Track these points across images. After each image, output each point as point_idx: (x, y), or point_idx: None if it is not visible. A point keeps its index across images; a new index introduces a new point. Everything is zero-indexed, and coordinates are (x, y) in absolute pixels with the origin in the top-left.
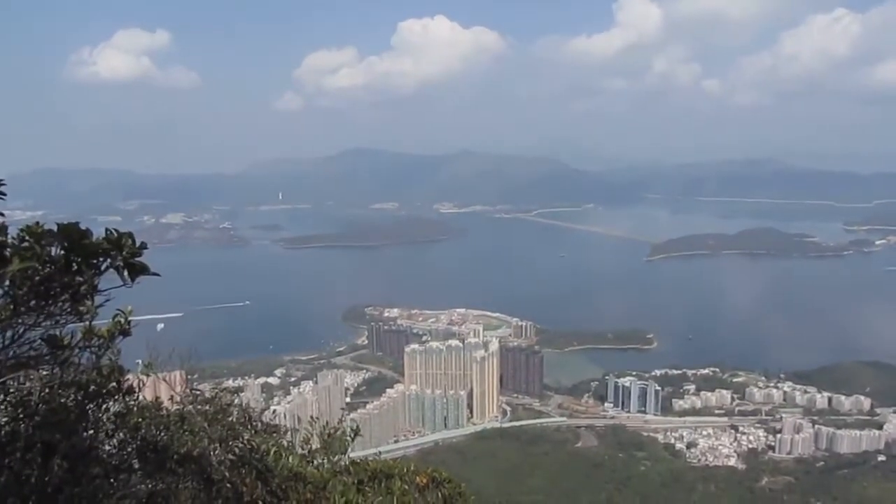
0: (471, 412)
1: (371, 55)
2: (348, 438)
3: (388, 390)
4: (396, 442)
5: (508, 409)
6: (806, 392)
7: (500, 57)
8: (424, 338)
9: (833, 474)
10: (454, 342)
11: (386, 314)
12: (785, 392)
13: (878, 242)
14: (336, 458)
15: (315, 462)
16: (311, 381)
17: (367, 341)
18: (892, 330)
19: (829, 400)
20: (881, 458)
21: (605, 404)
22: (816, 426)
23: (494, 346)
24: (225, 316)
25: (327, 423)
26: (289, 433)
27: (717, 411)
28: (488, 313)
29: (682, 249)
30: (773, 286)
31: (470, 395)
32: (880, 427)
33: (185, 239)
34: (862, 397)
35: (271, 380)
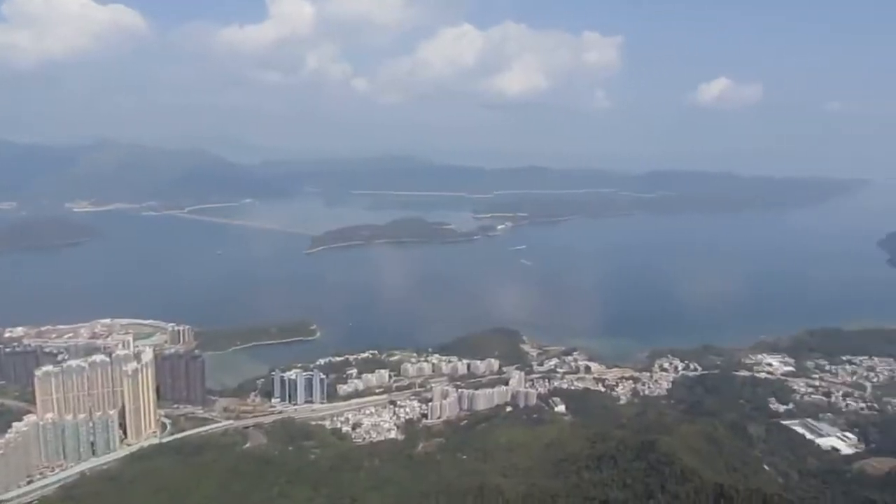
0: (124, 432)
1: None
2: None
3: (15, 424)
4: (31, 483)
5: (168, 421)
6: (450, 362)
7: (143, 40)
8: (61, 356)
9: (474, 429)
10: (99, 357)
11: (7, 334)
12: (433, 364)
13: (499, 227)
14: None
15: None
16: None
17: None
18: (512, 300)
19: (468, 366)
20: (509, 408)
21: (273, 400)
22: (459, 390)
23: (148, 355)
24: None
25: None
26: None
27: (377, 390)
28: (139, 321)
29: (339, 241)
30: (419, 270)
31: (122, 414)
32: (507, 383)
33: None
34: (492, 360)
35: None
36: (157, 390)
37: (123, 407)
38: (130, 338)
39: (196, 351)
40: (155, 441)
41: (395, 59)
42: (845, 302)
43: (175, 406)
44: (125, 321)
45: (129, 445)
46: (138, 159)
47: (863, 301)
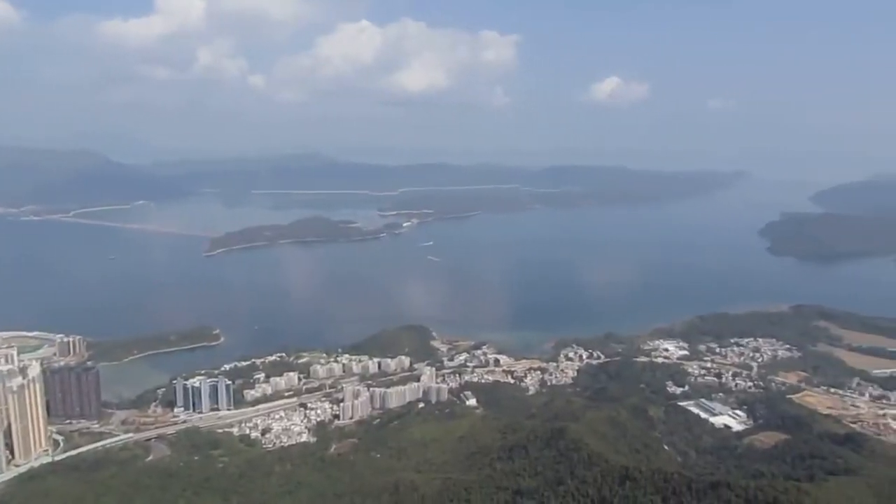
0: (11, 453)
1: None
2: None
3: None
4: None
5: (61, 438)
6: (360, 361)
7: (14, 32)
8: None
9: (387, 427)
10: None
11: None
12: (343, 364)
13: (405, 224)
14: None
15: None
16: None
17: None
18: (421, 297)
19: (379, 364)
20: (421, 404)
21: (176, 409)
22: (371, 389)
23: (35, 369)
24: None
25: None
26: None
27: (286, 394)
28: (23, 333)
29: (241, 242)
30: (325, 270)
31: (8, 433)
32: (418, 380)
33: None
34: (403, 357)
35: None
36: (47, 406)
37: (9, 426)
38: (14, 352)
39: (89, 362)
40: (47, 460)
41: (294, 56)
42: (731, 288)
43: (68, 422)
44: (7, 334)
45: (17, 466)
46: (15, 161)
47: (747, 286)
